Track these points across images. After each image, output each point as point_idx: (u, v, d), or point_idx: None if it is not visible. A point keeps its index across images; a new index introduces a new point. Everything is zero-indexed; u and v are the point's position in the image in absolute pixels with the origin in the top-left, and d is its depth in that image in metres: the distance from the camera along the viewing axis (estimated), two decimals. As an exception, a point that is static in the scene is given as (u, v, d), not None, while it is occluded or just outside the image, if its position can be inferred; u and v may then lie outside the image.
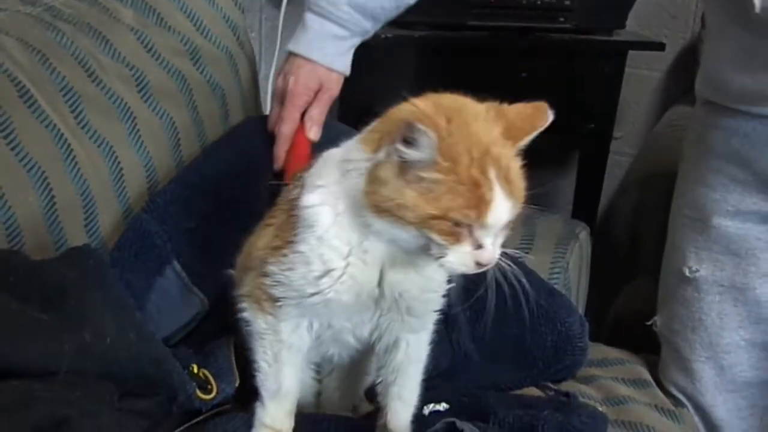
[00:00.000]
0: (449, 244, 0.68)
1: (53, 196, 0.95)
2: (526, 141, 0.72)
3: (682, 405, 1.21)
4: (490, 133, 0.70)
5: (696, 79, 1.18)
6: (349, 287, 0.74)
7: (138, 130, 1.08)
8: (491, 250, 0.69)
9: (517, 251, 0.78)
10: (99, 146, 1.03)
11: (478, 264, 0.69)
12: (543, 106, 0.74)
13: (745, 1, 0.91)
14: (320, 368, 0.94)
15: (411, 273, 0.76)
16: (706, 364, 1.18)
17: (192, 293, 1.02)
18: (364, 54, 2.04)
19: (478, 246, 0.69)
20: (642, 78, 2.32)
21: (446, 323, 0.96)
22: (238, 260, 0.88)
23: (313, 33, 1.10)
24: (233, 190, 1.10)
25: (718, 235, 1.14)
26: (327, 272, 0.74)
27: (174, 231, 1.03)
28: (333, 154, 0.77)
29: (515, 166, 0.70)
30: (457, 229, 0.68)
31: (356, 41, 1.13)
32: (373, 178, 0.69)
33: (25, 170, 0.92)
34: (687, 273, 1.17)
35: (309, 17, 1.10)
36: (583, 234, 1.34)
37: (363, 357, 0.90)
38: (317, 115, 1.11)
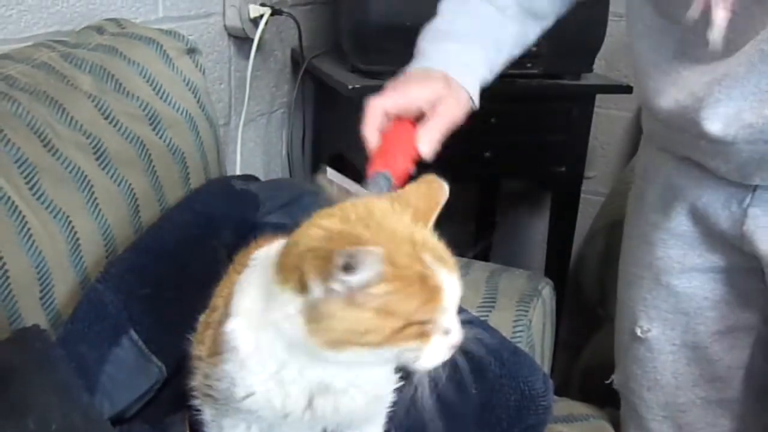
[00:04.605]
0: (422, 344, 0.66)
1: (7, 270, 0.94)
2: (432, 219, 0.72)
3: (643, 463, 1.20)
4: (405, 223, 0.69)
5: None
6: (272, 410, 0.72)
7: (95, 198, 1.08)
8: (458, 329, 0.68)
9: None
10: (55, 216, 1.02)
11: (452, 348, 0.68)
12: (435, 180, 0.73)
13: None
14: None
15: (351, 393, 0.74)
16: (664, 423, 1.17)
17: (150, 362, 1.01)
18: (333, 104, 2.05)
19: (446, 332, 0.68)
20: (613, 118, 2.34)
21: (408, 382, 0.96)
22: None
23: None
24: (191, 254, 1.09)
25: (667, 294, 1.12)
26: (248, 395, 0.72)
27: (130, 299, 1.02)
28: (251, 281, 0.73)
29: (436, 242, 0.70)
30: (424, 328, 0.66)
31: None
32: (315, 317, 0.65)
33: (-22, 244, 0.91)
34: (639, 333, 1.16)
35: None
36: (547, 290, 1.34)
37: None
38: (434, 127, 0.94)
